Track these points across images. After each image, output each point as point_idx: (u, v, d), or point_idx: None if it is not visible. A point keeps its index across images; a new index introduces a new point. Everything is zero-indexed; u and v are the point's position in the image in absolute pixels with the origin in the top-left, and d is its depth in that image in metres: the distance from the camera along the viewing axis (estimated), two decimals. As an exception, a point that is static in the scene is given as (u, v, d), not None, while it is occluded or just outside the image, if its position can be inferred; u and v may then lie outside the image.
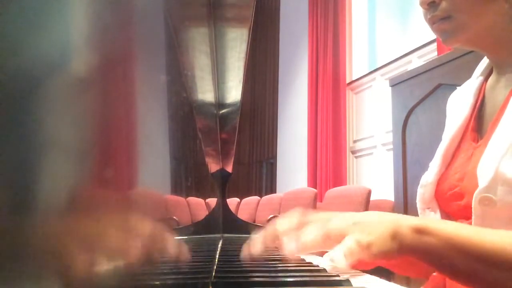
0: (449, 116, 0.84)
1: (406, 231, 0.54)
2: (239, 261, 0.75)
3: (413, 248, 0.54)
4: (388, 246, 0.53)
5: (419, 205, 0.78)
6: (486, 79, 0.78)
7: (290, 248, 0.58)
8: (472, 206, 0.63)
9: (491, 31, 0.69)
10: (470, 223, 0.65)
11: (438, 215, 0.76)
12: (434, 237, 0.53)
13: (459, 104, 0.80)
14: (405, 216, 0.59)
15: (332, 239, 0.56)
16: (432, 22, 0.72)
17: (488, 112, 0.75)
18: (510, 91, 0.69)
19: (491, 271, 0.52)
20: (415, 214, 0.77)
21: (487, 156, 0.64)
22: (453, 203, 0.71)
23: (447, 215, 0.76)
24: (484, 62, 0.79)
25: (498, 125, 0.66)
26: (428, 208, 0.76)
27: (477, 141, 0.73)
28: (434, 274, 0.76)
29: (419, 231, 0.54)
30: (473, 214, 0.64)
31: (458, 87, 0.85)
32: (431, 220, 0.58)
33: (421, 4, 0.72)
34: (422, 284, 0.80)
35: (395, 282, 0.57)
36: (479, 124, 0.75)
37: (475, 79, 0.79)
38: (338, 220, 0.57)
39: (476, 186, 0.63)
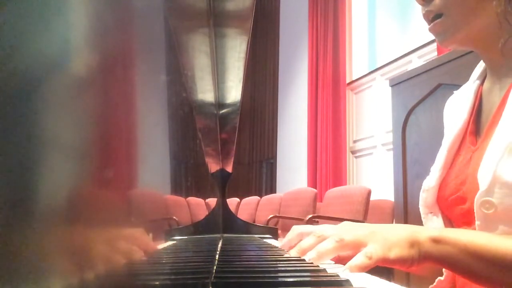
0: (447, 121, 0.84)
1: (424, 240, 0.60)
2: (239, 261, 0.75)
3: (432, 256, 0.59)
4: (407, 252, 0.59)
5: (422, 209, 0.78)
6: (482, 83, 0.78)
7: (310, 256, 0.65)
8: (475, 210, 0.64)
9: (483, 32, 0.69)
10: (473, 229, 0.66)
11: (440, 219, 0.76)
12: (450, 246, 0.59)
13: (457, 109, 0.80)
14: (421, 227, 0.65)
15: (350, 248, 0.63)
16: (427, 18, 0.73)
17: (485, 115, 0.75)
18: (504, 94, 0.69)
19: (505, 273, 0.56)
20: (415, 214, 0.77)
21: (486, 159, 0.64)
22: (456, 208, 0.71)
23: (449, 220, 0.76)
24: (481, 66, 0.80)
25: (495, 128, 0.66)
26: (431, 213, 0.77)
27: (475, 144, 0.73)
28: (441, 278, 0.76)
29: (437, 240, 0.59)
30: (476, 218, 0.64)
31: (455, 91, 0.86)
32: (447, 230, 0.63)
33: None
34: (422, 284, 0.80)
35: (395, 282, 0.57)
36: (477, 127, 0.75)
37: (472, 83, 0.80)
38: (356, 230, 0.64)
39: (478, 190, 0.63)
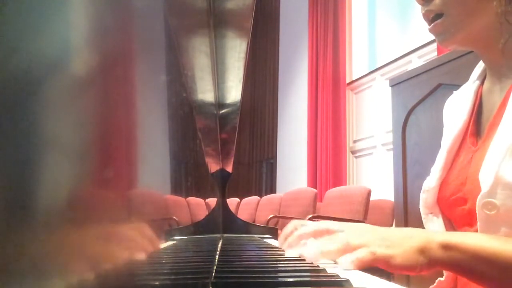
0: (446, 121, 0.84)
1: (434, 247, 0.59)
2: (239, 261, 0.75)
3: (443, 262, 0.59)
4: (414, 259, 0.59)
5: (422, 210, 0.78)
6: (482, 83, 0.78)
7: (312, 255, 0.64)
8: (477, 211, 0.63)
9: (483, 32, 0.69)
10: (475, 230, 0.66)
11: (440, 220, 0.76)
12: (460, 252, 0.58)
13: (456, 109, 0.80)
14: (433, 232, 0.64)
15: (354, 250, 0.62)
16: (427, 18, 0.72)
17: (485, 116, 0.74)
18: (505, 94, 0.69)
19: None
20: (415, 214, 0.78)
21: (488, 160, 0.64)
22: (457, 208, 0.71)
23: (449, 220, 0.76)
24: (480, 66, 0.80)
25: (496, 128, 0.66)
26: (431, 213, 0.77)
27: (476, 145, 0.72)
28: (441, 279, 0.76)
29: (446, 247, 0.59)
30: (478, 220, 0.64)
31: (454, 92, 0.85)
32: (457, 235, 0.62)
33: None
34: (422, 284, 0.80)
35: (395, 282, 0.57)
36: (477, 128, 0.75)
37: (472, 83, 0.79)
38: (363, 236, 0.63)
39: (479, 190, 0.63)
